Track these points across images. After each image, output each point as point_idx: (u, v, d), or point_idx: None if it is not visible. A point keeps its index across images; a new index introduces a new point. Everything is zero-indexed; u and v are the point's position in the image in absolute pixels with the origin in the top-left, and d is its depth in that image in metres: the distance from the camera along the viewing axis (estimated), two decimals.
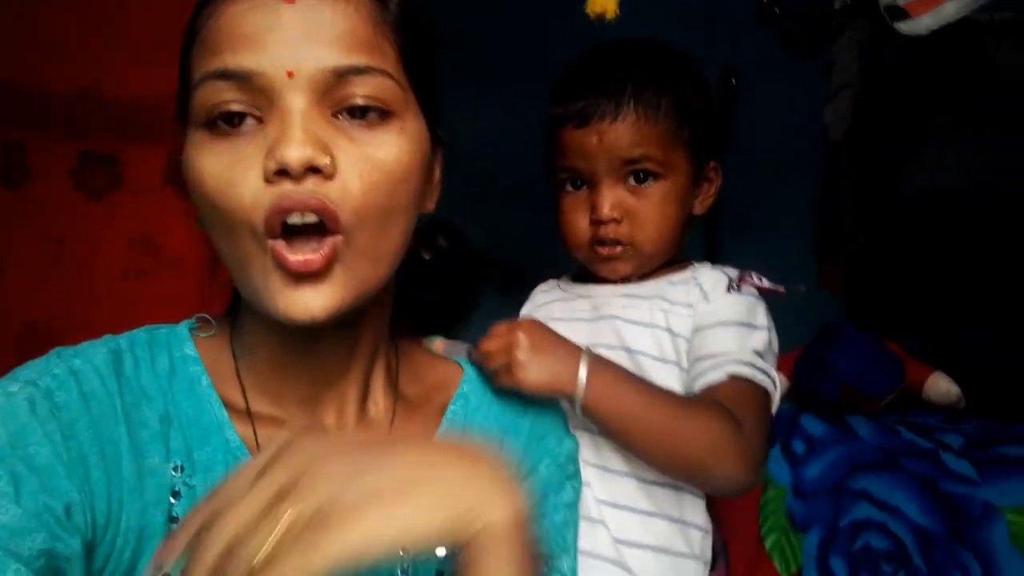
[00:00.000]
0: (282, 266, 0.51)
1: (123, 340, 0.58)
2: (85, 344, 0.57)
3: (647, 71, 0.85)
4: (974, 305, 1.66)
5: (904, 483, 1.30)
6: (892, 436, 1.36)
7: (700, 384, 0.78)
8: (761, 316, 0.83)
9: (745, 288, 0.84)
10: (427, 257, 1.62)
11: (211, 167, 0.52)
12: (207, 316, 0.63)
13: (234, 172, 0.52)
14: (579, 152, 0.84)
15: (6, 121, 1.24)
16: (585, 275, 0.93)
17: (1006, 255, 1.59)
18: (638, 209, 0.84)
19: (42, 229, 1.27)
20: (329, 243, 0.52)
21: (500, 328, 0.72)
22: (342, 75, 0.52)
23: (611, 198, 0.84)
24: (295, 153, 0.50)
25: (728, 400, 0.76)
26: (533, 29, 1.86)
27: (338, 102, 0.53)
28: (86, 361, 0.54)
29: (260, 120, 0.52)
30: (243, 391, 0.60)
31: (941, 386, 1.51)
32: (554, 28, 1.76)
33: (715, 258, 1.77)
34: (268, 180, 0.51)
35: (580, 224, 0.86)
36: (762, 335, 0.81)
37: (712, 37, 1.66)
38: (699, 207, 0.91)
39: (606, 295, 0.89)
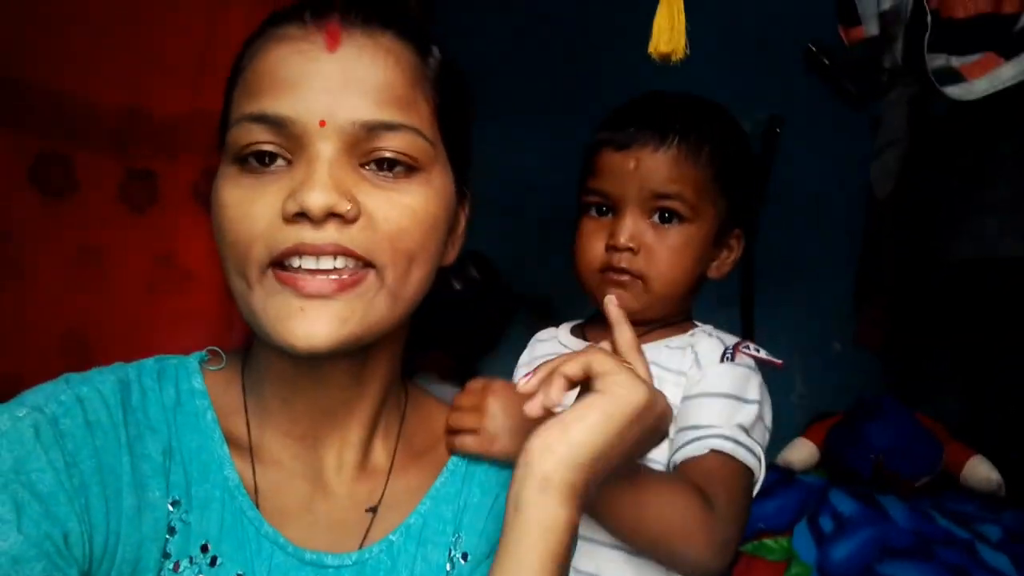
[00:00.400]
0: (289, 287, 0.52)
1: (132, 369, 0.58)
2: (94, 371, 0.57)
3: (697, 119, 0.85)
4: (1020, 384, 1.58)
5: (936, 574, 1.23)
6: (926, 521, 1.30)
7: (680, 456, 0.76)
8: (753, 389, 0.80)
9: (740, 358, 0.82)
10: (458, 287, 1.63)
11: (233, 197, 0.54)
12: (217, 349, 0.63)
13: (253, 206, 0.53)
14: (613, 174, 0.84)
15: (54, 132, 1.26)
16: (583, 330, 0.91)
17: None
18: (656, 246, 0.83)
19: (86, 241, 1.29)
20: (349, 273, 0.52)
21: (475, 385, 0.70)
22: (372, 129, 0.53)
23: (632, 228, 0.83)
24: (318, 199, 0.51)
25: (705, 476, 0.73)
26: (570, 65, 1.87)
27: (366, 154, 0.54)
28: (93, 389, 0.54)
29: (289, 162, 0.54)
30: (248, 426, 0.59)
31: (981, 472, 1.44)
32: (591, 64, 1.77)
33: (750, 311, 1.74)
34: (287, 220, 0.52)
35: (595, 248, 0.85)
36: (752, 409, 0.79)
37: (759, 86, 1.65)
38: (715, 271, 0.89)
39: None
